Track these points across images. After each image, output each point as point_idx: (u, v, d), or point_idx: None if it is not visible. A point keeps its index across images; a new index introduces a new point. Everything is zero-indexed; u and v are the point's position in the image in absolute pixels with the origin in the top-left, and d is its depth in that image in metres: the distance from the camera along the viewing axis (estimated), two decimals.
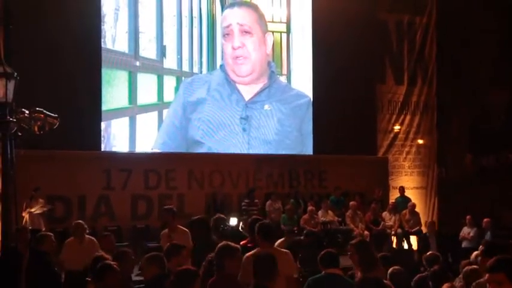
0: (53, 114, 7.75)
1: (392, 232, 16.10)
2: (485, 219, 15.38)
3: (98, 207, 14.94)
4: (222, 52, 16.89)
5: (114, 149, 15.93)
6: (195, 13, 17.04)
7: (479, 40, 18.97)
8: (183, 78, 16.69)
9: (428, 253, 8.36)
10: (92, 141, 15.38)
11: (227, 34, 16.63)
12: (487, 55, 19.01)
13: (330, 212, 15.89)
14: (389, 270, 6.21)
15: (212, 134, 16.42)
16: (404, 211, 16.51)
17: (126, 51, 16.05)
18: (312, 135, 17.95)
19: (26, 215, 13.04)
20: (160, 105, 16.36)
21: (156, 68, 16.40)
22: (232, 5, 17.31)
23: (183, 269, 5.38)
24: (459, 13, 19.04)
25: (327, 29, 17.80)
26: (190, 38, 16.88)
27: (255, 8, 17.41)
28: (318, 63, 18.21)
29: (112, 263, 5.77)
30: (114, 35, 15.98)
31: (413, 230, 16.23)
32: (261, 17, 17.28)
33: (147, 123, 16.23)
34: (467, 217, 15.74)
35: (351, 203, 16.04)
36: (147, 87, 16.22)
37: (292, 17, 18.38)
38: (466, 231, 15.54)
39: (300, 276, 6.69)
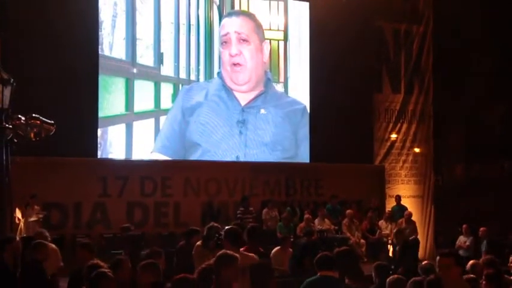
0: (49, 121, 7.74)
1: (389, 241, 16.10)
2: (481, 228, 15.41)
3: (94, 214, 14.88)
4: (220, 60, 16.93)
5: (110, 156, 15.90)
6: (193, 21, 17.06)
7: (476, 49, 19.02)
8: (180, 85, 16.69)
9: (424, 262, 8.32)
10: (89, 148, 15.33)
11: (225, 42, 16.70)
12: (483, 65, 19.05)
13: (326, 220, 15.88)
14: (389, 279, 6.17)
15: (209, 136, 16.45)
16: (400, 220, 16.53)
17: (124, 58, 16.04)
18: (307, 142, 17.95)
19: (21, 223, 13.00)
20: (157, 112, 16.35)
21: (153, 75, 16.39)
22: (230, 14, 17.37)
23: (180, 277, 5.36)
24: (456, 23, 19.10)
25: (324, 37, 17.84)
26: (188, 45, 16.89)
27: (252, 17, 17.47)
28: (315, 71, 18.23)
29: (106, 270, 5.73)
30: (111, 42, 15.98)
31: (410, 238, 16.22)
32: (258, 26, 17.35)
33: (143, 130, 16.21)
34: (464, 226, 15.79)
35: (348, 211, 16.04)
36: (144, 94, 16.20)
37: (290, 25, 18.41)
38: (462, 240, 15.58)
39: None
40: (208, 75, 17.12)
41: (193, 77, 16.98)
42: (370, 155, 19.04)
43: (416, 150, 19.71)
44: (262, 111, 17.11)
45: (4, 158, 7.18)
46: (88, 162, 15.19)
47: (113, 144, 15.94)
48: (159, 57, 16.45)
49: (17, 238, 12.11)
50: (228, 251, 5.62)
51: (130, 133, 16.00)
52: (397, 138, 19.52)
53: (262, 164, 16.85)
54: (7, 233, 8.74)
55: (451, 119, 20.21)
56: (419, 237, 16.79)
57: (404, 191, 19.03)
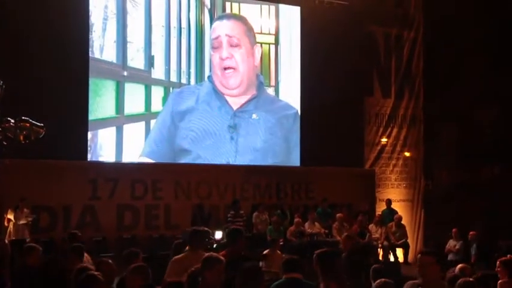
0: (38, 124, 7.71)
1: (379, 244, 16.12)
2: (471, 232, 15.47)
3: (84, 217, 14.81)
4: (211, 63, 16.91)
5: (100, 159, 15.86)
6: (184, 24, 17.06)
7: (466, 54, 19.09)
8: (171, 88, 16.68)
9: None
10: (78, 151, 15.30)
11: (216, 45, 16.71)
12: (474, 69, 19.12)
13: (316, 223, 15.87)
14: (376, 282, 6.19)
15: (200, 142, 16.44)
16: (390, 223, 16.57)
17: (114, 61, 16.02)
18: (299, 147, 17.98)
19: (10, 225, 12.96)
20: (147, 115, 16.32)
21: (143, 78, 16.37)
22: (221, 17, 17.37)
23: (171, 281, 5.37)
24: (447, 27, 19.17)
25: (315, 41, 17.89)
26: (179, 48, 16.89)
27: (243, 20, 17.48)
28: (306, 75, 18.27)
29: (96, 273, 5.72)
30: (102, 45, 15.96)
31: (400, 242, 16.28)
32: (249, 29, 17.36)
33: (134, 133, 16.18)
34: (453, 230, 15.85)
35: (338, 215, 16.03)
36: (134, 97, 16.18)
37: (281, 28, 18.44)
38: (452, 244, 15.63)
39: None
40: (199, 78, 17.11)
41: (184, 80, 16.97)
42: (361, 158, 19.08)
43: (407, 154, 19.77)
44: (254, 116, 17.11)
45: None
46: (78, 165, 15.15)
47: (103, 147, 15.91)
48: (149, 60, 16.44)
49: (6, 241, 12.14)
50: (213, 254, 5.65)
51: (121, 136, 15.98)
52: (387, 142, 19.56)
53: (253, 167, 16.87)
54: None
55: (442, 123, 20.26)
56: (409, 241, 16.83)
57: (395, 195, 19.07)
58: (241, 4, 17.90)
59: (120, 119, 15.92)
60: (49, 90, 14.35)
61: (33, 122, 7.61)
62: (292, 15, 18.57)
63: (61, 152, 14.36)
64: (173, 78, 16.81)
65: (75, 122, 15.15)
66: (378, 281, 6.20)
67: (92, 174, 15.08)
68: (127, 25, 16.23)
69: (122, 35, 16.10)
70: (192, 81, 17.10)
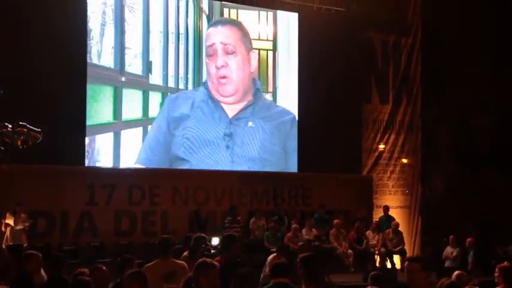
0: (36, 129, 7.69)
1: (376, 251, 16.13)
2: (468, 239, 15.49)
3: (81, 223, 14.81)
4: (207, 71, 16.89)
5: (98, 164, 15.84)
6: (182, 29, 17.07)
7: (464, 61, 19.11)
8: (168, 94, 16.68)
9: None
10: (76, 156, 15.29)
11: (211, 53, 16.64)
12: (472, 76, 19.14)
13: (313, 230, 15.86)
14: None
15: (195, 151, 16.38)
16: (387, 230, 16.57)
17: (112, 67, 16.02)
18: (296, 153, 17.97)
19: (7, 231, 12.93)
20: (145, 121, 16.32)
21: (141, 83, 16.37)
22: (216, 23, 17.33)
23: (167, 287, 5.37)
24: (444, 34, 19.21)
25: (313, 47, 17.89)
26: (177, 54, 16.90)
27: (239, 25, 17.44)
28: (304, 81, 18.28)
29: (88, 279, 5.72)
30: (99, 50, 15.96)
31: (397, 249, 16.28)
32: (245, 35, 17.31)
33: (131, 138, 16.17)
34: (450, 237, 15.86)
35: (335, 221, 16.03)
36: (132, 102, 16.18)
37: (279, 34, 18.45)
38: (449, 250, 15.63)
39: None
40: (197, 84, 17.11)
41: (181, 86, 16.97)
42: (358, 165, 19.08)
43: (404, 160, 19.77)
44: (250, 124, 17.05)
45: None
46: (75, 170, 15.13)
47: (100, 153, 15.90)
48: (147, 66, 16.44)
49: (3, 246, 12.13)
50: (207, 259, 5.65)
51: (118, 142, 15.96)
52: (385, 148, 19.57)
53: (251, 173, 16.85)
54: None
55: (439, 130, 20.26)
56: (406, 247, 16.84)
57: (392, 202, 19.06)
58: (239, 10, 17.92)
59: (117, 125, 15.91)
60: (47, 95, 14.35)
61: (31, 127, 7.59)
62: (290, 22, 18.59)
63: (58, 157, 14.38)
64: (171, 84, 16.82)
65: (73, 127, 15.15)
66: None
67: (90, 180, 15.07)
68: (125, 31, 16.23)
69: (119, 40, 16.11)
70: (190, 86, 17.09)
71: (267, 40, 18.34)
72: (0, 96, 7.23)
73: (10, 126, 7.53)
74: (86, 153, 15.61)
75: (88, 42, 15.71)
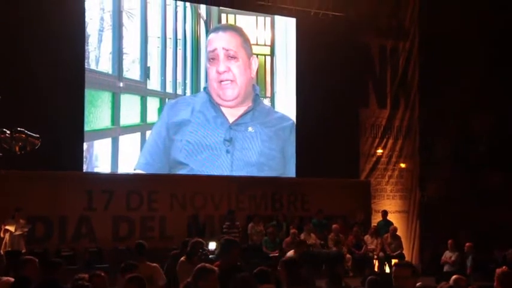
0: (34, 135, 7.70)
1: (375, 256, 16.12)
2: (467, 244, 15.47)
3: (79, 228, 14.79)
4: (206, 75, 16.90)
5: (96, 170, 15.85)
6: (180, 35, 17.09)
7: (462, 65, 19.13)
8: (166, 99, 16.69)
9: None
10: (74, 162, 15.29)
11: (212, 58, 16.61)
12: (470, 80, 19.16)
13: (312, 235, 15.85)
14: None
15: (195, 155, 16.38)
16: (386, 235, 16.56)
17: (110, 72, 16.04)
18: (295, 158, 17.97)
19: (6, 236, 12.91)
20: (143, 126, 16.33)
21: (139, 89, 16.38)
22: (217, 29, 17.35)
23: None
24: (442, 38, 19.24)
25: (311, 52, 17.91)
26: (175, 59, 16.92)
27: (239, 31, 17.46)
28: (302, 86, 18.30)
29: (87, 284, 5.72)
30: (97, 56, 15.98)
31: (395, 253, 16.27)
32: (246, 40, 17.33)
33: (129, 144, 16.18)
34: (449, 241, 15.83)
35: (334, 226, 16.03)
36: (130, 108, 16.19)
37: (277, 40, 18.49)
38: (448, 255, 15.62)
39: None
40: (195, 89, 17.13)
41: (179, 91, 16.98)
42: (356, 170, 19.08)
43: (402, 165, 19.77)
44: (250, 129, 17.06)
45: None
46: (73, 176, 15.13)
47: (98, 158, 15.91)
48: (145, 72, 16.45)
49: (1, 252, 12.10)
50: (206, 264, 5.65)
51: (116, 147, 15.96)
52: (383, 153, 19.57)
53: (249, 178, 16.84)
54: None
55: (437, 134, 20.29)
56: (404, 252, 16.83)
57: (390, 206, 19.05)
58: (237, 15, 17.95)
59: (115, 130, 15.92)
60: (45, 101, 14.35)
61: (29, 133, 7.60)
62: (287, 27, 18.62)
63: (57, 163, 14.38)
64: (169, 89, 16.83)
65: (71, 133, 15.15)
66: None
67: (88, 185, 15.06)
68: (123, 36, 16.25)
69: (117, 46, 16.12)
70: (188, 92, 17.11)
71: (265, 45, 18.37)
72: None
73: (8, 132, 7.54)
74: (84, 159, 15.62)
75: (86, 47, 15.73)
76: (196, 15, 17.36)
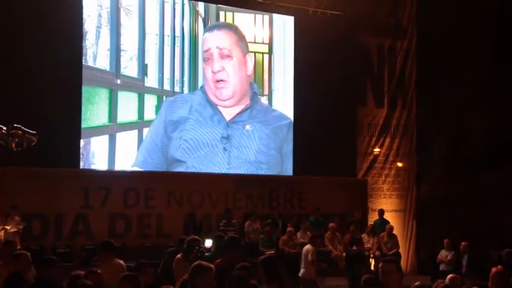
0: (31, 131, 7.68)
1: (371, 254, 16.13)
2: (462, 243, 15.49)
3: (76, 226, 14.80)
4: (203, 75, 16.89)
5: (93, 167, 15.85)
6: (178, 32, 17.09)
7: (459, 64, 19.14)
8: (164, 97, 16.68)
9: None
10: (71, 159, 15.28)
11: (207, 58, 16.68)
12: (468, 79, 19.17)
13: (308, 233, 15.85)
14: None
15: (193, 153, 16.40)
16: (382, 233, 16.57)
17: (107, 69, 16.03)
18: (292, 157, 17.98)
19: (1, 233, 12.91)
20: (140, 123, 16.32)
21: (137, 86, 16.38)
22: (212, 28, 17.36)
23: None
24: (439, 38, 19.24)
25: (309, 51, 17.91)
26: (172, 57, 16.91)
27: (235, 29, 17.47)
28: (299, 85, 18.30)
29: (89, 283, 5.73)
30: (95, 53, 15.97)
31: (391, 252, 16.27)
32: (241, 38, 17.34)
33: (127, 141, 16.18)
34: (445, 240, 15.85)
35: (330, 224, 16.05)
36: (127, 105, 16.18)
37: (274, 38, 18.48)
38: (444, 254, 15.64)
39: None
40: (193, 87, 17.13)
41: (177, 89, 16.98)
42: (353, 168, 19.08)
43: (399, 164, 19.77)
44: (248, 127, 17.08)
45: None
46: (70, 173, 15.12)
47: (95, 155, 15.90)
48: (143, 69, 16.45)
49: None
50: (203, 262, 5.66)
51: (114, 144, 15.96)
52: (380, 152, 19.57)
53: (246, 176, 16.85)
54: None
55: (434, 133, 20.30)
56: (401, 251, 16.84)
57: (387, 205, 19.06)
58: (235, 13, 17.95)
59: (113, 127, 15.91)
60: (42, 97, 14.36)
61: (26, 129, 7.58)
62: (285, 25, 18.63)
63: (53, 159, 14.37)
64: (166, 86, 16.83)
65: (68, 129, 15.14)
66: None
67: (84, 182, 15.06)
68: (120, 33, 16.24)
69: (115, 43, 16.11)
70: (186, 89, 17.11)
71: (263, 43, 18.37)
72: None
73: (5, 128, 7.52)
74: (81, 156, 15.62)
75: (83, 44, 15.73)
76: (194, 13, 17.35)
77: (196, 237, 9.01)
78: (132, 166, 16.07)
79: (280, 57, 18.55)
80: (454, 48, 19.09)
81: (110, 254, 7.99)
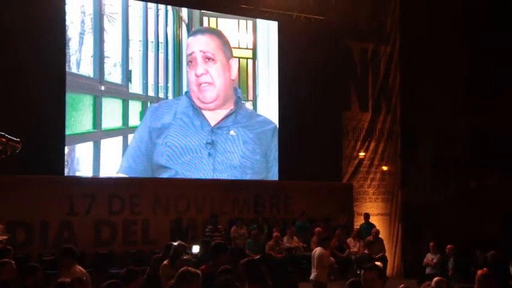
0: (15, 138, 7.62)
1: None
2: (448, 246, 15.55)
3: (61, 233, 14.67)
4: (187, 80, 16.88)
5: (77, 174, 15.76)
6: (161, 38, 17.07)
7: (443, 68, 19.26)
8: (148, 103, 16.65)
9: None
10: (55, 166, 15.18)
11: (190, 62, 16.71)
12: (451, 83, 19.29)
13: (295, 237, 15.89)
14: None
15: (178, 159, 16.36)
16: (368, 237, 16.59)
17: (91, 76, 15.98)
18: (277, 162, 17.98)
19: None
20: (125, 129, 16.27)
21: (121, 92, 16.33)
22: (195, 32, 17.38)
23: None
24: (423, 42, 19.35)
25: (293, 55, 17.96)
26: (156, 63, 16.89)
27: (218, 34, 17.49)
28: (284, 89, 18.33)
29: None
30: (79, 59, 15.91)
31: (378, 256, 16.30)
32: (225, 43, 17.35)
33: (111, 147, 16.12)
34: (431, 244, 15.92)
35: (316, 229, 16.04)
36: (112, 111, 16.13)
37: (258, 43, 18.51)
38: (430, 257, 15.70)
39: None
40: (177, 92, 17.10)
41: (161, 95, 16.95)
42: (339, 173, 19.11)
43: (384, 168, 19.82)
44: (232, 132, 17.08)
45: None
46: (55, 180, 15.03)
47: (80, 162, 15.82)
48: (127, 75, 16.42)
49: None
50: (190, 268, 5.64)
51: (98, 151, 15.89)
52: (365, 156, 19.61)
53: (232, 181, 16.84)
54: None
55: (419, 137, 20.39)
56: (387, 254, 16.87)
57: (372, 209, 19.11)
58: (218, 19, 17.96)
59: (97, 134, 15.85)
60: (26, 104, 14.28)
61: (9, 136, 7.52)
62: (269, 30, 18.65)
63: (38, 167, 14.26)
64: (151, 92, 16.79)
65: (52, 136, 15.06)
66: None
67: (69, 190, 14.95)
68: (104, 40, 16.20)
69: (99, 49, 16.06)
70: (170, 95, 17.09)
71: (247, 48, 18.39)
72: None
73: None
74: (66, 163, 15.53)
75: (67, 51, 15.66)
76: (178, 19, 17.35)
77: (183, 243, 8.98)
78: (117, 173, 16.01)
79: (264, 63, 18.57)
80: (437, 52, 19.20)
81: (71, 261, 7.89)
